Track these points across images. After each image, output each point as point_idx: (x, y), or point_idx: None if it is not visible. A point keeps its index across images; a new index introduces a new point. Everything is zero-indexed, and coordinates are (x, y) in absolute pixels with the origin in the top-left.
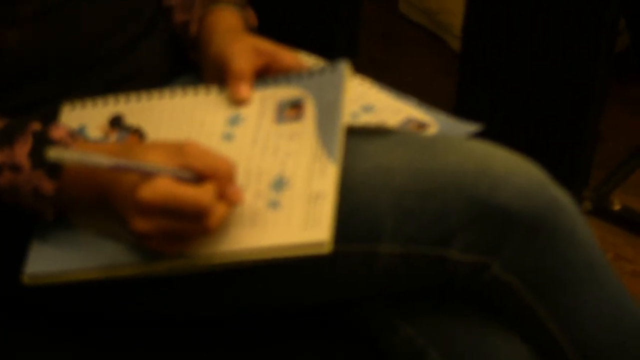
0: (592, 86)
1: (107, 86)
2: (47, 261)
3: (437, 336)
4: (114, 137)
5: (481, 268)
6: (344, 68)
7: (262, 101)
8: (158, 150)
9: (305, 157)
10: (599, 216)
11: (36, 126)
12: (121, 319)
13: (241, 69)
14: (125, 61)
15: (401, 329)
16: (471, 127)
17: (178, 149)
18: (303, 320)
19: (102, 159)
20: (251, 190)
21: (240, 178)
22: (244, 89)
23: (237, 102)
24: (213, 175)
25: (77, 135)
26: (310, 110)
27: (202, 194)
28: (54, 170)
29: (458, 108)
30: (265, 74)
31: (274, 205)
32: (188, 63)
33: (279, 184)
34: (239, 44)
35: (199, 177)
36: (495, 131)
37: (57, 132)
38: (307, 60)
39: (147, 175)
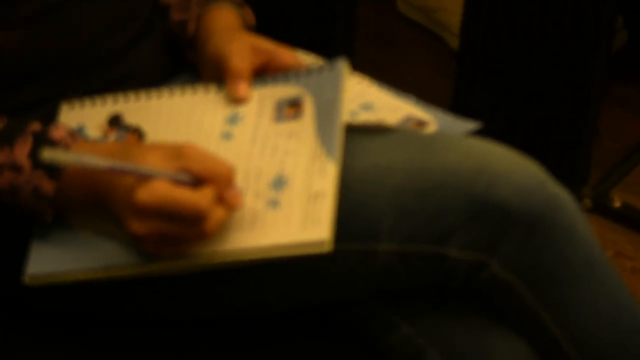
0: (590, 84)
1: (106, 86)
2: (47, 262)
3: (436, 335)
4: (113, 136)
5: (480, 266)
6: (343, 66)
7: (261, 100)
8: (156, 152)
9: (304, 156)
10: (599, 214)
11: (36, 126)
12: (119, 319)
13: (239, 68)
14: (123, 61)
15: (400, 329)
16: (470, 125)
17: (176, 151)
18: (302, 319)
19: (98, 161)
20: (250, 189)
21: (239, 177)
22: (242, 88)
23: (236, 100)
24: (211, 178)
25: (77, 135)
26: (309, 109)
27: (200, 197)
28: (54, 170)
29: (456, 106)
30: (264, 73)
31: (274, 204)
32: (186, 62)
33: (278, 183)
34: (237, 42)
35: (197, 181)
36: (493, 129)
37: (57, 132)
38: (306, 58)
39: (145, 177)
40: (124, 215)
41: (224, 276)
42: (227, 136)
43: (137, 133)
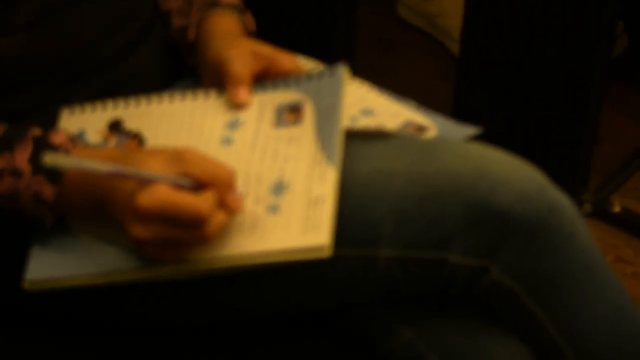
0: (590, 89)
1: (105, 90)
2: (47, 267)
3: (436, 341)
4: (113, 141)
5: (480, 272)
6: (343, 71)
7: (261, 105)
8: (157, 157)
9: (304, 161)
10: (599, 219)
11: (36, 131)
12: (119, 324)
13: (240, 73)
14: (123, 66)
15: (401, 334)
16: (470, 131)
17: (177, 156)
18: (302, 325)
19: (99, 165)
20: (250, 194)
21: (240, 182)
22: (242, 93)
23: (236, 106)
24: (212, 182)
25: (77, 140)
26: (309, 114)
27: (201, 201)
28: (55, 175)
29: (457, 111)
30: (264, 78)
31: (274, 209)
32: (186, 67)
33: (279, 188)
34: (238, 48)
35: (198, 185)
36: (494, 134)
37: (57, 137)
38: (306, 64)
39: (146, 182)
40: (125, 219)
41: (224, 281)
42: (227, 141)
43: (138, 138)
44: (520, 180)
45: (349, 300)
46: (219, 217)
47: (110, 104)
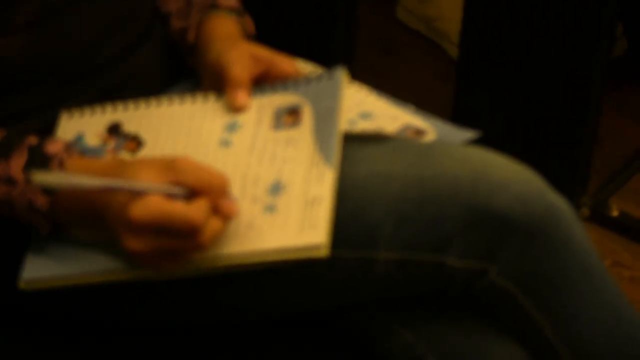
0: (590, 92)
1: (105, 91)
2: (43, 266)
3: (435, 342)
4: (112, 144)
5: (478, 274)
6: (341, 75)
7: (260, 108)
8: (149, 168)
9: (302, 163)
10: (597, 222)
11: (33, 140)
12: (117, 325)
13: (239, 76)
14: (123, 66)
15: (400, 335)
16: (469, 134)
17: (169, 164)
18: (301, 326)
19: (89, 181)
20: (248, 195)
21: (237, 184)
22: (241, 96)
23: (235, 109)
24: (205, 190)
25: (72, 150)
26: (307, 117)
27: (194, 210)
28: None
29: (455, 115)
30: (263, 81)
31: (270, 209)
32: (185, 70)
33: (276, 188)
34: (237, 51)
35: (191, 193)
36: (492, 138)
37: (53, 147)
38: (305, 67)
39: (138, 193)
40: (118, 232)
41: (222, 281)
42: (225, 144)
43: (136, 141)
44: (519, 184)
45: (348, 301)
46: (213, 225)
47: (109, 107)
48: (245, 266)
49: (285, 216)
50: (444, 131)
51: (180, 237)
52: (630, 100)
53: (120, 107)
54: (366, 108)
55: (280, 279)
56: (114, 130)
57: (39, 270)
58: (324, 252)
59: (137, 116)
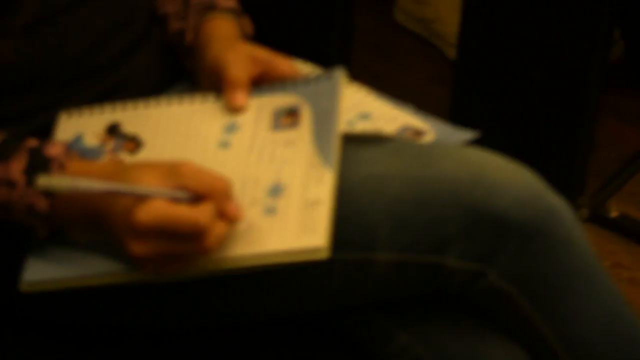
0: (587, 94)
1: (103, 94)
2: (44, 268)
3: (432, 344)
4: (111, 144)
5: (477, 276)
6: (340, 75)
7: (258, 109)
8: (153, 172)
9: (301, 164)
10: (596, 224)
11: (32, 142)
12: (116, 328)
13: (237, 77)
14: (121, 69)
15: (397, 337)
16: (467, 135)
17: (172, 169)
18: (298, 328)
19: (94, 184)
20: (247, 197)
21: (237, 186)
22: (240, 97)
23: (234, 109)
24: (209, 194)
25: (72, 153)
26: (306, 118)
27: (199, 213)
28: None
29: (453, 116)
30: (261, 82)
31: (270, 211)
32: (183, 71)
33: (275, 190)
34: (235, 52)
35: (195, 197)
36: (490, 139)
37: (53, 149)
38: (303, 68)
39: (142, 198)
40: (123, 236)
41: (221, 284)
42: (224, 145)
43: (135, 141)
44: (518, 185)
45: (346, 303)
46: (218, 228)
47: (108, 108)
48: (244, 269)
49: (285, 218)
50: (443, 132)
51: (186, 241)
52: (627, 103)
53: (119, 107)
54: (365, 109)
55: (279, 281)
56: (113, 130)
57: (40, 272)
58: (324, 254)
59: (136, 117)
